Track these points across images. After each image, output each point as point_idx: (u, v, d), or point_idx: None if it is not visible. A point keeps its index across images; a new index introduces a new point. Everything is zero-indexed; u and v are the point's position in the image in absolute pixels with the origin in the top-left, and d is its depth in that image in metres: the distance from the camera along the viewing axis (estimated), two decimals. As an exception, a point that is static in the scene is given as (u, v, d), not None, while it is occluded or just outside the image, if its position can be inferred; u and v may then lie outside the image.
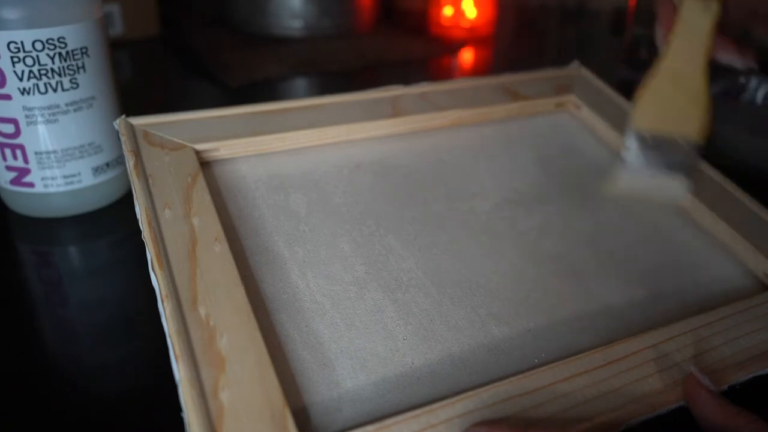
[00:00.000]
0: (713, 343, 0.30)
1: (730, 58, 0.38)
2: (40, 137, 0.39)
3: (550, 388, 0.26)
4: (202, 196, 0.32)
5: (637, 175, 0.38)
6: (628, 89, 0.46)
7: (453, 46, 0.80)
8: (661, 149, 0.38)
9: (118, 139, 0.42)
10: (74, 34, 0.37)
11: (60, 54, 0.37)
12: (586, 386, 0.27)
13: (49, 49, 0.37)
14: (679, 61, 0.37)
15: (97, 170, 0.41)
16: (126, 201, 0.44)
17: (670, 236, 0.38)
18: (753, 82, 0.57)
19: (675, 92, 0.37)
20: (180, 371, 0.24)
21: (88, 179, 0.41)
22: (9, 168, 0.39)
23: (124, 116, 0.35)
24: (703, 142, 0.37)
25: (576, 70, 0.49)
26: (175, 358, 0.25)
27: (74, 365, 0.31)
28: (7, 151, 0.39)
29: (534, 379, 0.26)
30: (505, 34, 0.86)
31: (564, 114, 0.47)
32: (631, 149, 0.38)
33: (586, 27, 0.92)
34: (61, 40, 0.37)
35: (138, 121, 0.36)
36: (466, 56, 0.78)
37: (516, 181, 0.40)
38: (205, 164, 0.36)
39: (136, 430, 0.27)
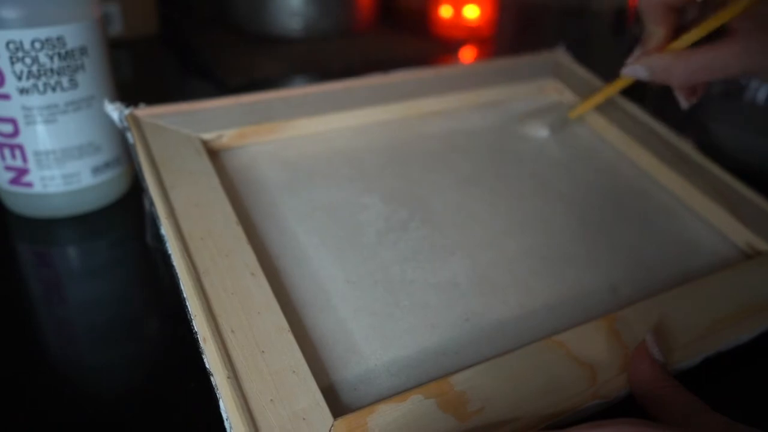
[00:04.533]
0: (700, 307, 0.31)
1: (679, 98, 0.38)
2: (39, 137, 0.38)
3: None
4: (212, 182, 0.32)
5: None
6: (629, 89, 0.46)
7: (453, 46, 0.80)
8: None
9: (118, 138, 0.42)
10: (73, 34, 0.37)
11: (59, 53, 0.37)
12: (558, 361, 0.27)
13: (48, 48, 0.36)
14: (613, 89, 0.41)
15: (96, 170, 0.41)
16: (125, 201, 0.44)
17: (654, 210, 0.39)
18: (754, 81, 0.57)
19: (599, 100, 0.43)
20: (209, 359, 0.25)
21: (87, 179, 0.41)
22: (8, 168, 0.39)
23: (118, 103, 0.36)
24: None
25: (556, 55, 0.50)
26: (203, 340, 0.25)
27: (74, 365, 0.31)
28: (6, 151, 0.39)
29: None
30: (505, 33, 0.86)
31: (547, 98, 0.48)
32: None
33: (587, 27, 0.92)
34: (60, 39, 0.37)
35: (143, 111, 0.36)
36: (467, 56, 0.78)
37: (507, 168, 0.40)
38: (212, 153, 0.36)
39: (136, 430, 0.27)
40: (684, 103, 0.38)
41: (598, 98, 0.43)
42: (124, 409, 0.28)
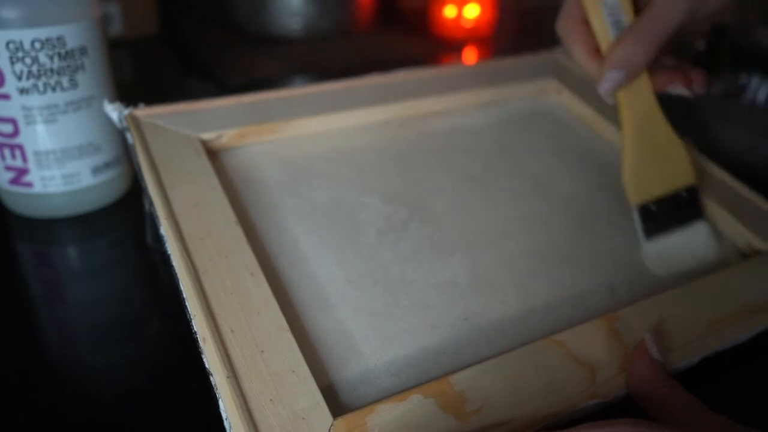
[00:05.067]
0: (699, 307, 0.31)
1: (678, 89, 0.36)
2: (39, 137, 0.38)
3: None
4: (212, 183, 0.32)
5: (664, 249, 0.36)
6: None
7: (453, 46, 0.80)
8: (668, 209, 0.36)
9: (118, 138, 0.42)
10: (73, 34, 0.37)
11: (59, 53, 0.37)
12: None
13: (48, 48, 0.37)
14: (635, 117, 0.35)
15: (96, 170, 0.41)
16: (125, 201, 0.44)
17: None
18: (754, 81, 0.57)
19: (650, 150, 0.36)
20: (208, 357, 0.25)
21: (87, 179, 0.41)
22: (8, 168, 0.39)
23: (117, 103, 0.36)
24: (696, 180, 0.37)
25: (556, 55, 0.50)
26: (202, 340, 0.25)
27: (74, 365, 0.31)
28: (6, 151, 0.39)
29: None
30: (505, 33, 0.86)
31: (546, 98, 0.48)
32: (640, 226, 0.36)
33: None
34: (60, 39, 0.37)
35: (142, 111, 0.36)
36: (467, 56, 0.78)
37: (507, 165, 0.40)
38: (211, 153, 0.36)
39: (136, 430, 0.27)
40: (685, 90, 0.36)
41: (628, 145, 0.35)
42: (124, 409, 0.28)
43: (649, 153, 0.36)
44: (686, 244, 0.36)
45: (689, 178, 0.37)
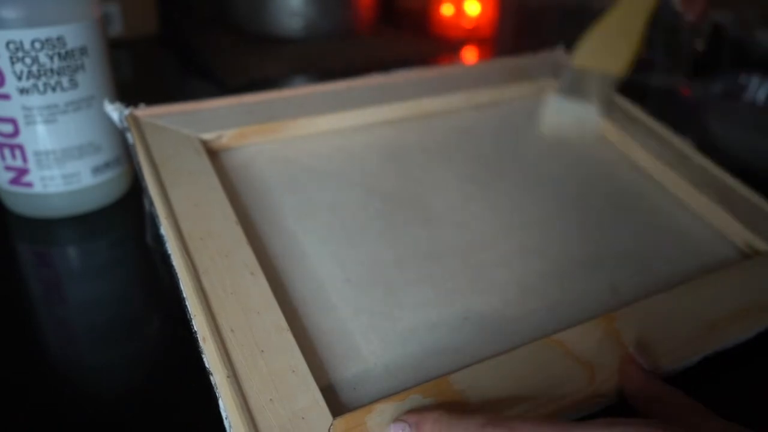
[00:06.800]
0: (699, 307, 0.31)
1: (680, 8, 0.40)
2: (39, 137, 0.38)
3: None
4: (212, 182, 0.32)
5: (561, 108, 0.43)
6: (627, 89, 0.46)
7: (453, 46, 0.80)
8: (585, 83, 0.43)
9: (118, 138, 0.42)
10: (73, 34, 0.37)
11: (59, 54, 0.37)
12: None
13: (48, 48, 0.37)
14: (629, 7, 0.41)
15: (96, 170, 0.41)
16: (125, 201, 0.44)
17: (654, 210, 0.39)
18: (754, 81, 0.57)
19: (616, 35, 0.42)
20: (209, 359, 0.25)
21: (87, 179, 0.41)
22: (8, 168, 0.39)
23: (118, 103, 0.36)
24: (623, 77, 0.43)
25: (556, 55, 0.50)
26: (202, 340, 0.25)
27: (74, 365, 0.31)
28: (6, 151, 0.39)
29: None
30: (505, 33, 0.86)
31: (546, 98, 0.48)
32: (561, 85, 0.43)
33: (587, 27, 0.92)
34: (60, 39, 0.37)
35: (143, 111, 0.36)
36: (467, 55, 0.78)
37: (507, 165, 0.40)
38: (211, 153, 0.36)
39: (136, 430, 0.27)
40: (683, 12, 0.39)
41: (607, 22, 0.44)
42: (124, 409, 0.28)
43: (613, 36, 0.42)
44: (577, 119, 0.43)
45: (619, 71, 0.43)
